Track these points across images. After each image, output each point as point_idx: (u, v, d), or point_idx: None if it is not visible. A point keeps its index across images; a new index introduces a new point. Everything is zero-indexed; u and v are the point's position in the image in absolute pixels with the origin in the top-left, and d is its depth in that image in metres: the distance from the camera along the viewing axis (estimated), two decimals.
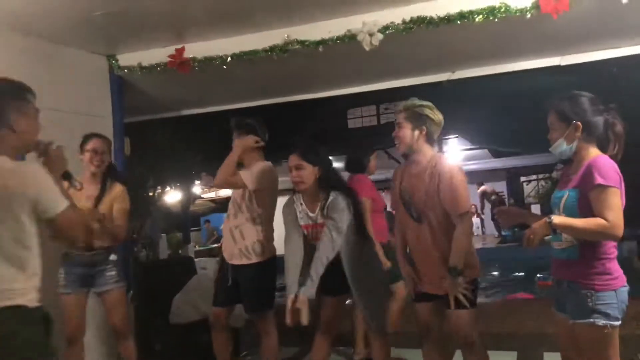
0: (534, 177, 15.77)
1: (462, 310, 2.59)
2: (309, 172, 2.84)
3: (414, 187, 2.72)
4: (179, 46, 3.88)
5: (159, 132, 5.99)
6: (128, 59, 4.03)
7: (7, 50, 3.35)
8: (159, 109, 4.86)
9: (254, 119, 3.37)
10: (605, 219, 2.01)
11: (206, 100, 4.91)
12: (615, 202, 2.04)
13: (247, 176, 3.15)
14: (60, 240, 2.05)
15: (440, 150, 11.24)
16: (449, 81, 4.37)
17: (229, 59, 3.81)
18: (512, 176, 16.01)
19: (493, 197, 14.08)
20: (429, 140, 2.73)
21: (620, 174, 2.09)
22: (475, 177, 13.41)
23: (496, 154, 12.46)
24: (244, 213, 3.23)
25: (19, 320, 1.74)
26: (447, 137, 10.24)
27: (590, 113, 2.17)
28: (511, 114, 6.29)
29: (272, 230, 3.29)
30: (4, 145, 1.81)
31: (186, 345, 3.94)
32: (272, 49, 3.72)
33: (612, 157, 2.16)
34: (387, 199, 3.95)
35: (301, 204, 2.96)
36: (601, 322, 2.06)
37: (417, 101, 2.74)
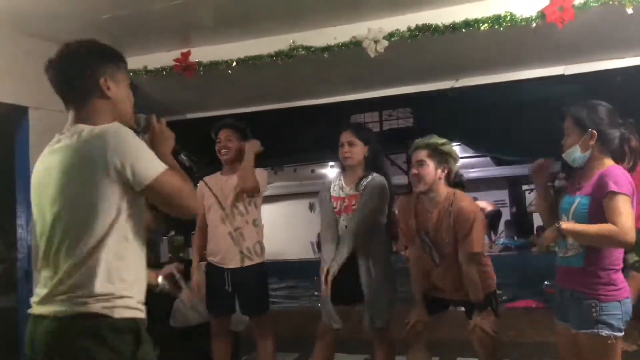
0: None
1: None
2: (359, 149, 2.93)
3: (435, 231, 2.71)
4: (185, 50, 3.90)
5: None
6: (134, 62, 4.03)
7: (12, 51, 3.37)
8: (164, 112, 4.80)
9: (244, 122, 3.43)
10: (616, 225, 2.00)
11: (211, 104, 4.92)
12: (627, 209, 2.02)
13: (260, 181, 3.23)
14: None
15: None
16: (453, 89, 4.38)
17: (234, 63, 3.83)
18: (513, 184, 16.00)
19: (488, 210, 14.04)
20: (447, 180, 2.74)
21: (633, 185, 2.08)
22: (477, 185, 13.39)
23: (498, 162, 12.44)
24: (244, 215, 3.23)
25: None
26: (452, 176, 10.22)
27: (607, 123, 2.17)
28: (514, 123, 6.28)
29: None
30: (97, 113, 1.58)
31: (186, 349, 3.93)
32: (278, 54, 3.74)
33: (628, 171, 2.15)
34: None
35: (340, 179, 3.04)
36: (605, 332, 2.05)
37: (438, 139, 2.75)
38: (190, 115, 5.00)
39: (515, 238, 11.48)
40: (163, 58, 3.96)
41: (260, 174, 3.27)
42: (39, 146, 3.38)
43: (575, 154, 2.20)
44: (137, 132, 1.66)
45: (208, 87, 4.30)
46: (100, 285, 1.45)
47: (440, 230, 2.69)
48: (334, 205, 2.97)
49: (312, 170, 12.80)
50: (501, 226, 13.21)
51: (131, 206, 1.51)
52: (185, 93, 4.44)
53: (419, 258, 2.86)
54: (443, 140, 2.74)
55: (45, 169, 1.56)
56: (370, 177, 2.93)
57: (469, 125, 6.79)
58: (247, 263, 3.20)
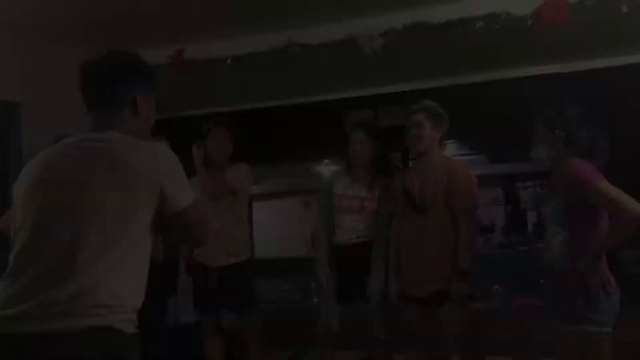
0: (530, 183, 15.78)
1: (462, 309, 2.65)
2: (368, 146, 3.02)
3: (424, 182, 2.77)
4: (179, 47, 3.88)
5: (157, 132, 5.96)
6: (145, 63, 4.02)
7: (6, 47, 3.35)
8: (158, 110, 4.85)
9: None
10: (623, 206, 2.01)
11: (206, 102, 4.90)
12: (614, 189, 2.04)
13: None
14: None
15: None
16: (449, 86, 4.37)
17: (229, 60, 3.81)
18: (508, 182, 16.02)
19: None
20: (441, 141, 2.85)
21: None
22: None
23: (492, 160, 12.48)
24: (230, 213, 3.21)
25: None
26: (444, 141, 10.26)
27: (575, 125, 2.22)
28: (509, 121, 6.28)
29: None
30: (124, 126, 1.52)
31: (182, 347, 3.92)
32: (273, 51, 3.73)
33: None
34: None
35: (348, 177, 3.06)
36: (593, 329, 2.10)
37: (433, 103, 2.82)
38: (184, 113, 4.97)
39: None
40: (157, 55, 3.91)
41: (239, 173, 3.26)
42: (33, 143, 3.39)
43: (540, 152, 2.29)
44: None
45: (203, 85, 4.28)
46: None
47: (432, 184, 2.75)
48: (340, 203, 2.99)
49: (308, 168, 12.81)
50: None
51: (152, 227, 1.44)
52: (179, 90, 4.41)
53: (400, 221, 2.87)
54: (436, 104, 2.81)
55: (72, 165, 1.43)
56: (382, 181, 2.98)
57: (464, 123, 6.80)
58: (234, 260, 3.20)
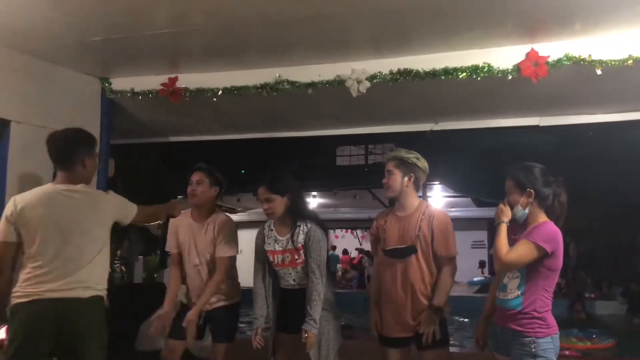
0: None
1: (439, 349, 2.79)
2: (278, 203, 2.93)
3: (400, 229, 2.88)
4: (173, 75, 3.97)
5: (145, 156, 6.04)
6: (121, 83, 4.10)
7: (1, 66, 3.41)
8: (147, 134, 4.93)
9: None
10: (504, 253, 2.42)
11: (195, 129, 4.99)
12: (522, 250, 2.41)
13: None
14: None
15: (425, 195, 11.41)
16: (432, 131, 4.50)
17: (220, 92, 3.90)
18: (492, 226, 16.12)
19: None
20: (416, 186, 2.95)
21: (559, 241, 2.42)
22: (457, 224, 13.51)
23: (478, 204, 12.62)
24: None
25: (101, 308, 2.52)
26: (430, 182, 10.39)
27: (541, 183, 2.49)
28: (493, 166, 6.42)
29: (236, 270, 3.32)
30: (77, 175, 2.56)
31: None
32: (263, 86, 3.82)
33: (556, 223, 2.47)
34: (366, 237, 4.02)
35: (271, 229, 3.04)
36: None
37: (404, 151, 2.96)
38: (173, 139, 5.05)
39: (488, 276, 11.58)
40: (150, 81, 4.01)
41: (233, 228, 3.26)
42: (18, 160, 3.43)
43: (519, 212, 2.53)
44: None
45: (193, 113, 4.37)
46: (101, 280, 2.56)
47: (408, 231, 2.86)
48: (271, 259, 3.00)
49: None
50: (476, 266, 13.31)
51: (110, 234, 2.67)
52: (169, 117, 4.50)
53: (380, 262, 2.97)
54: (408, 152, 2.94)
55: (61, 204, 2.50)
56: (303, 228, 2.94)
57: (449, 166, 6.95)
58: (215, 305, 3.20)
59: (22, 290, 2.39)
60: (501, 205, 2.56)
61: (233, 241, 3.21)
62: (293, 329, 2.91)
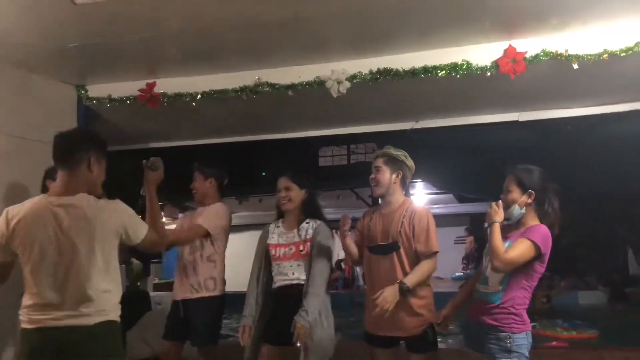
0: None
1: (428, 352, 2.78)
2: (297, 194, 3.04)
3: (384, 226, 2.88)
4: (151, 81, 3.92)
5: (123, 162, 5.92)
6: (98, 90, 4.04)
7: None
8: (126, 141, 4.85)
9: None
10: (503, 252, 2.42)
11: (175, 135, 4.93)
12: (522, 248, 2.41)
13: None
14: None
15: (408, 192, 11.44)
16: (413, 130, 4.51)
17: (199, 96, 3.87)
18: (475, 221, 16.30)
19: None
20: (403, 184, 2.95)
21: (550, 244, 2.45)
22: (440, 221, 13.59)
23: (460, 199, 12.70)
24: (198, 250, 3.29)
25: (114, 334, 2.20)
26: (413, 180, 10.44)
27: (540, 186, 2.53)
28: (474, 163, 6.48)
29: (224, 268, 3.37)
30: (80, 180, 2.23)
31: None
32: (243, 89, 3.80)
33: (549, 229, 2.48)
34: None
35: (278, 226, 3.10)
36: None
37: (393, 149, 2.97)
38: (152, 145, 4.99)
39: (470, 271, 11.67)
40: (128, 87, 3.96)
41: (210, 213, 3.34)
42: None
43: (515, 211, 2.54)
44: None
45: (172, 118, 4.32)
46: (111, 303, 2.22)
47: (392, 227, 2.84)
48: (273, 252, 3.02)
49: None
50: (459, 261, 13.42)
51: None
52: (148, 122, 4.44)
53: (368, 258, 2.95)
54: (398, 152, 2.95)
55: (58, 221, 2.15)
56: (312, 224, 3.01)
57: (431, 164, 6.97)
58: (196, 295, 3.26)
59: (26, 315, 2.14)
60: (494, 206, 2.56)
61: (216, 219, 3.32)
62: (279, 341, 2.86)
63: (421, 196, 12.76)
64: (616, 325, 8.32)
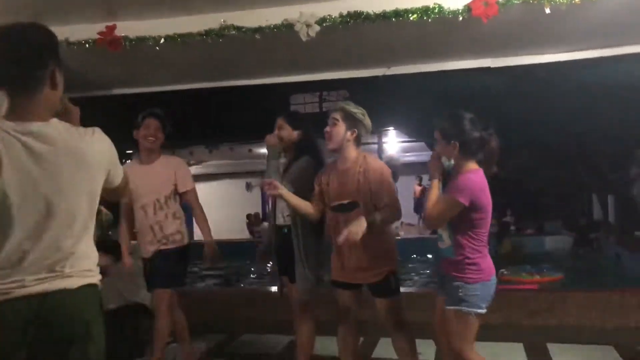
0: None
1: (391, 297, 2.83)
2: (288, 133, 3.16)
3: (342, 184, 2.86)
4: (110, 23, 3.73)
5: (88, 110, 5.74)
6: (54, 32, 3.82)
7: None
8: (88, 87, 4.66)
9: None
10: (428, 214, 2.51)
11: (139, 81, 4.76)
12: (442, 205, 2.47)
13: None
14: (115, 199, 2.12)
15: (380, 141, 11.45)
16: (385, 76, 4.44)
17: (163, 40, 3.70)
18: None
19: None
20: (357, 143, 2.90)
21: (475, 189, 2.43)
22: (413, 169, 13.71)
23: (432, 147, 12.79)
24: (164, 209, 3.29)
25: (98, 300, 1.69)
26: (385, 128, 10.41)
27: (467, 133, 2.48)
28: (446, 110, 6.45)
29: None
30: (45, 105, 1.57)
31: (109, 330, 3.85)
32: (208, 33, 3.64)
33: (486, 169, 2.51)
34: None
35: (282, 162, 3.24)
36: (466, 309, 2.45)
37: (353, 106, 2.91)
38: (116, 91, 4.82)
39: None
40: (86, 30, 3.76)
41: (188, 168, 3.43)
42: None
43: (445, 163, 2.63)
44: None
45: (135, 63, 4.15)
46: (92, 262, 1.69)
47: (350, 183, 2.83)
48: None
49: (250, 150, 12.67)
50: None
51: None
52: (110, 68, 4.27)
53: (331, 215, 2.96)
54: (357, 108, 2.90)
55: (36, 154, 1.52)
56: (298, 160, 3.12)
57: (402, 111, 6.95)
58: (164, 247, 3.29)
59: None
60: (431, 161, 2.61)
61: (190, 176, 3.43)
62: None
63: (393, 144, 12.81)
64: (580, 268, 8.67)
